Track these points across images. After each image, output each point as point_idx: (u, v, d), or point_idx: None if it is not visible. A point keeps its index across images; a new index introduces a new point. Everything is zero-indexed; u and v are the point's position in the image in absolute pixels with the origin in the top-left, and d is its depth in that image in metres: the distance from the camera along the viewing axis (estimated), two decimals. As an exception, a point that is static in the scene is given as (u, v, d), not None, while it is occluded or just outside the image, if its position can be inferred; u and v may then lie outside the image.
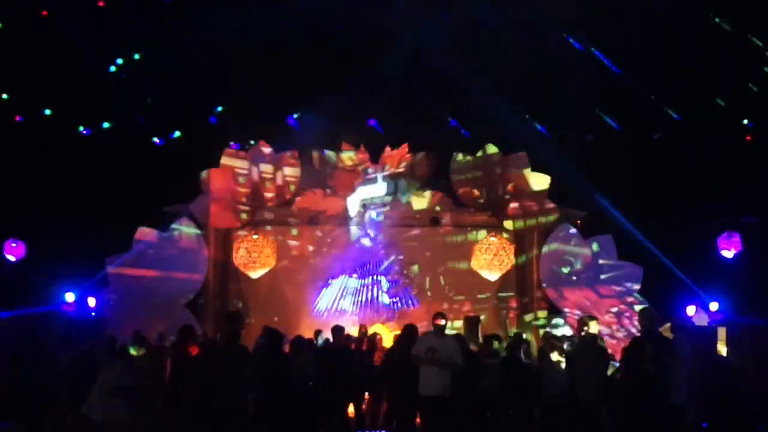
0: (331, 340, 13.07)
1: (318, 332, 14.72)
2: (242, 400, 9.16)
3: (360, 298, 18.00)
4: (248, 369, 9.32)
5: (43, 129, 15.83)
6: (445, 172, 18.29)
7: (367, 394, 13.32)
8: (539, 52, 15.65)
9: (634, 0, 15.53)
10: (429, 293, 18.37)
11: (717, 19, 15.78)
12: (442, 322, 10.63)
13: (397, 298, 18.07)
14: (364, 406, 13.21)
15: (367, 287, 18.08)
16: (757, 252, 16.04)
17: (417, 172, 18.35)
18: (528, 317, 18.02)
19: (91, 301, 15.94)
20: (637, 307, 14.75)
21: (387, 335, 15.47)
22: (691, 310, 15.16)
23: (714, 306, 15.38)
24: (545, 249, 17.59)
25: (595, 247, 17.40)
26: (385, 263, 18.23)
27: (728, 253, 16.18)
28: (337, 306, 17.92)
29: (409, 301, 18.06)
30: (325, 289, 17.99)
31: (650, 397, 9.75)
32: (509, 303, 18.37)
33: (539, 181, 17.79)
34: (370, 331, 15.20)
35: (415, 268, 18.40)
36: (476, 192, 18.25)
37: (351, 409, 12.87)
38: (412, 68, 16.32)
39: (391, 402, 12.29)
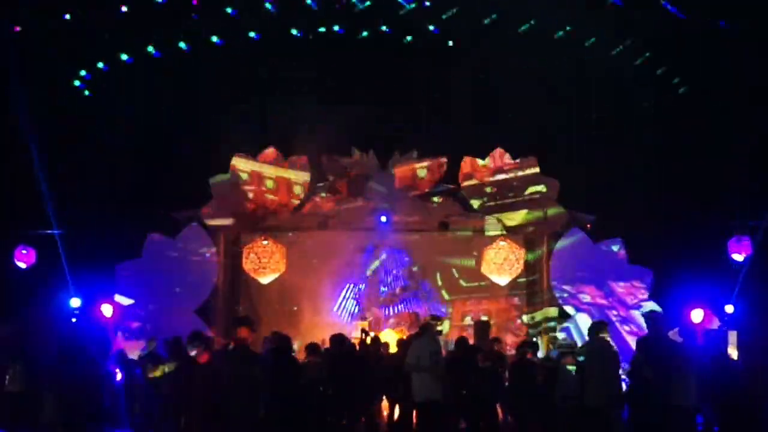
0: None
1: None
2: (253, 404, 9.16)
3: (369, 303, 18.04)
4: (258, 372, 9.32)
5: (51, 135, 15.85)
6: (454, 176, 18.32)
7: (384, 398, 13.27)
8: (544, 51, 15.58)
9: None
10: (444, 295, 18.45)
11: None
12: (439, 326, 10.68)
13: (405, 302, 18.14)
14: (385, 412, 13.17)
15: (377, 291, 18.12)
16: (768, 255, 15.96)
17: (426, 177, 18.40)
18: (538, 320, 18.02)
19: (107, 310, 15.92)
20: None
21: (392, 339, 15.44)
22: (698, 315, 15.06)
23: (729, 309, 15.34)
24: (555, 252, 17.58)
25: (604, 250, 17.40)
26: (377, 261, 18.23)
27: (739, 257, 16.10)
28: (347, 310, 17.97)
29: (418, 304, 18.11)
30: (338, 292, 18.07)
31: (651, 398, 9.75)
32: (519, 306, 18.38)
33: (549, 185, 17.79)
34: (377, 334, 15.20)
35: (415, 268, 18.41)
36: (485, 196, 18.25)
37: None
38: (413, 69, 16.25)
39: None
